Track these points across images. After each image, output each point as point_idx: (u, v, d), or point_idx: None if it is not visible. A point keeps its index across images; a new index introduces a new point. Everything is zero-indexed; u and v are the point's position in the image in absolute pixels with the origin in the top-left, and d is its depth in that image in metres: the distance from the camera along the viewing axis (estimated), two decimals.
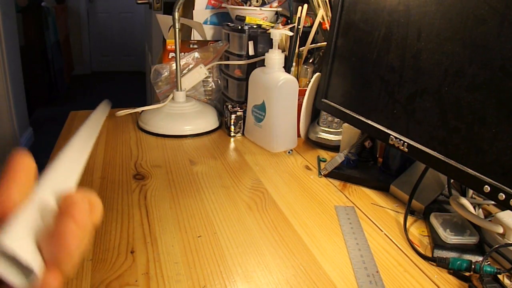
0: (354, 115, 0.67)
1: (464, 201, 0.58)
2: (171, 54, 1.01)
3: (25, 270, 0.19)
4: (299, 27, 0.86)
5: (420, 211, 0.62)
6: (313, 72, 0.89)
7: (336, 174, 0.73)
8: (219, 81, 1.03)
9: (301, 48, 0.89)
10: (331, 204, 0.64)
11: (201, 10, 1.06)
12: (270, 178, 0.71)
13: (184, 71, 0.97)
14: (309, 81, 0.84)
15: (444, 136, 0.51)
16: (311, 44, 0.90)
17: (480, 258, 0.50)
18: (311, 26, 0.90)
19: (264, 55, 0.82)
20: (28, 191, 0.21)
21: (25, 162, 0.21)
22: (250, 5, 0.96)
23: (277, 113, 0.81)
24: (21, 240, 0.19)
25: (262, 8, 0.95)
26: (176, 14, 0.86)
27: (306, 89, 0.83)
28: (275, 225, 0.57)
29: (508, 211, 0.53)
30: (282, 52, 0.83)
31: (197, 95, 1.02)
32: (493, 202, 0.63)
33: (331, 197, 0.66)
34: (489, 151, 0.46)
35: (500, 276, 0.47)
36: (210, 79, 1.02)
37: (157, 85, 0.99)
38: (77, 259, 0.21)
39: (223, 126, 0.95)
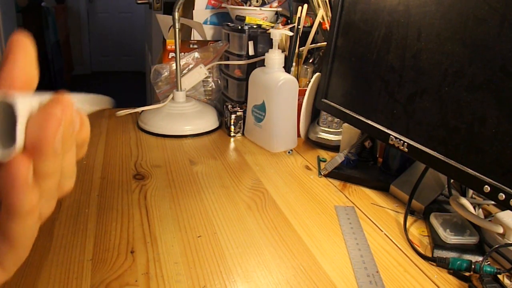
0: (354, 115, 0.67)
1: (464, 201, 0.58)
2: (171, 54, 1.01)
3: (6, 140, 0.19)
4: (299, 27, 0.86)
5: (420, 211, 0.62)
6: (313, 72, 0.89)
7: (336, 174, 0.73)
8: (219, 81, 1.03)
9: (301, 48, 0.89)
10: (331, 204, 0.64)
11: (201, 10, 1.06)
12: (270, 178, 0.71)
13: (184, 71, 0.97)
14: (309, 81, 0.84)
15: (444, 136, 0.51)
16: (311, 44, 0.90)
17: (480, 258, 0.50)
18: (311, 26, 0.90)
19: (264, 55, 0.82)
20: (30, 71, 0.20)
21: (24, 42, 0.20)
22: (250, 5, 0.96)
23: (277, 113, 0.81)
24: (23, 108, 0.19)
25: (262, 8, 0.95)
26: (176, 14, 0.86)
27: (306, 89, 0.83)
28: (275, 225, 0.57)
29: (508, 211, 0.53)
30: (282, 52, 0.83)
31: (197, 95, 1.02)
32: (493, 202, 0.63)
33: (331, 197, 0.66)
34: (489, 151, 0.46)
35: (500, 276, 0.47)
36: (210, 79, 1.02)
37: (157, 85, 0.99)
38: (56, 159, 0.20)
39: (223, 126, 0.95)
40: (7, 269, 0.21)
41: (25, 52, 0.20)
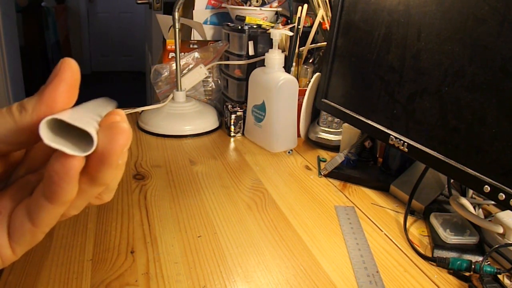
0: (354, 115, 0.67)
1: (464, 201, 0.58)
2: (171, 54, 1.01)
3: (77, 138, 0.21)
4: (299, 27, 0.86)
5: (420, 211, 0.62)
6: (313, 72, 0.89)
7: (336, 174, 0.73)
8: (219, 81, 1.03)
9: (301, 48, 0.89)
10: (331, 204, 0.64)
11: (201, 10, 1.06)
12: (270, 178, 0.71)
13: (184, 71, 0.97)
14: (309, 81, 0.84)
15: (444, 136, 0.51)
16: (311, 44, 0.90)
17: (480, 258, 0.50)
18: (311, 26, 0.90)
19: (264, 55, 0.82)
20: (73, 95, 0.22)
21: (72, 66, 0.22)
22: (250, 5, 0.96)
23: (277, 113, 0.81)
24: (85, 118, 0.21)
25: (262, 8, 0.95)
26: (176, 14, 0.86)
27: (306, 89, 0.83)
28: (275, 225, 0.57)
29: (508, 211, 0.53)
30: (282, 52, 0.83)
31: (197, 95, 1.02)
32: (493, 202, 0.63)
33: (331, 197, 0.66)
34: (489, 151, 0.46)
35: (500, 276, 0.47)
36: (210, 79, 1.02)
37: (157, 85, 0.99)
38: (114, 171, 0.22)
39: (223, 126, 0.95)
40: (18, 251, 0.23)
41: (72, 75, 0.22)
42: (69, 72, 0.21)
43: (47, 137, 0.19)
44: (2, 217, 0.22)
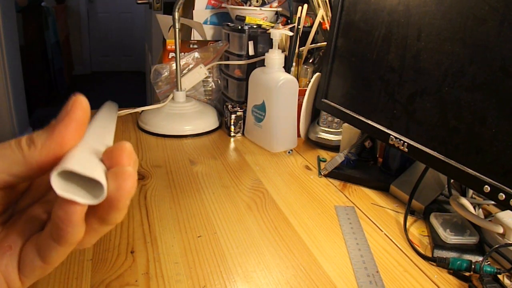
0: (354, 115, 0.67)
1: (464, 201, 0.58)
2: (171, 54, 1.01)
3: (92, 188, 0.21)
4: (299, 27, 0.86)
5: (420, 211, 0.62)
6: (313, 72, 0.89)
7: (336, 174, 0.73)
8: (219, 81, 1.03)
9: (301, 48, 0.89)
10: (331, 204, 0.64)
11: (201, 10, 1.06)
12: (270, 178, 0.71)
13: (184, 71, 0.97)
14: (309, 81, 0.84)
15: (444, 136, 0.51)
16: (311, 44, 0.90)
17: (480, 258, 0.50)
18: (311, 26, 0.90)
19: (264, 55, 0.82)
20: (82, 132, 0.22)
21: (83, 105, 0.22)
22: (250, 5, 0.96)
23: (277, 113, 0.81)
24: (88, 161, 0.21)
25: (262, 8, 0.95)
26: (176, 14, 0.86)
27: (306, 89, 0.83)
28: (275, 225, 0.57)
29: (508, 211, 0.53)
30: (282, 52, 0.83)
31: (197, 95, 1.02)
32: (493, 202, 0.63)
33: (331, 197, 0.66)
34: (489, 151, 0.46)
35: (500, 276, 0.47)
36: (210, 79, 1.02)
37: (157, 85, 0.99)
38: (123, 212, 0.22)
39: (223, 126, 0.95)
40: (26, 283, 0.23)
41: (82, 114, 0.22)
42: (80, 111, 0.22)
43: (59, 187, 0.20)
44: (13, 252, 0.23)
